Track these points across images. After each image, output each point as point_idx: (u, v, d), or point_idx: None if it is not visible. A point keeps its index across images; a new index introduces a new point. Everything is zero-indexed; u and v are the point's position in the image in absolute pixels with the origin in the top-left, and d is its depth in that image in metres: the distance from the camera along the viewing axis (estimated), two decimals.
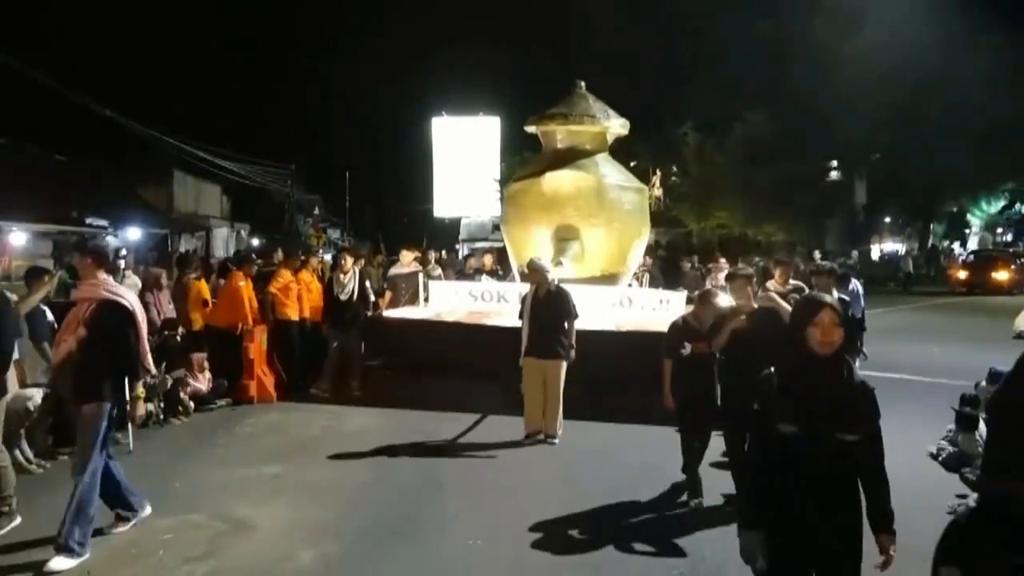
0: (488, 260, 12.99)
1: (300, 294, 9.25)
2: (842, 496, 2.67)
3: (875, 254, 39.90)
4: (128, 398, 4.61)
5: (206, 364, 8.15)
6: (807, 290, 6.63)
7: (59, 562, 4.18)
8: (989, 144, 28.87)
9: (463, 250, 31.23)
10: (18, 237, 19.06)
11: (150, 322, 8.53)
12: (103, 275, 4.62)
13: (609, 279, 10.13)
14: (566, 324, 6.77)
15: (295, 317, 9.14)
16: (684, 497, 5.28)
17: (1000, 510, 2.35)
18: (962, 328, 15.88)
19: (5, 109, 24.52)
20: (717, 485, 5.30)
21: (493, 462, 6.33)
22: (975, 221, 40.97)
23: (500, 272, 12.38)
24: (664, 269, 14.92)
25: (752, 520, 2.78)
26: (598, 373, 7.39)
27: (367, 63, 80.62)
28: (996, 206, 39.04)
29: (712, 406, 5.26)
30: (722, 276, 13.11)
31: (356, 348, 8.86)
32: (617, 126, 10.63)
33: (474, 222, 39.58)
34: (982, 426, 6.19)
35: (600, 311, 9.19)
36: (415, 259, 11.70)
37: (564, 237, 9.90)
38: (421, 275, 10.80)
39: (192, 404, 7.78)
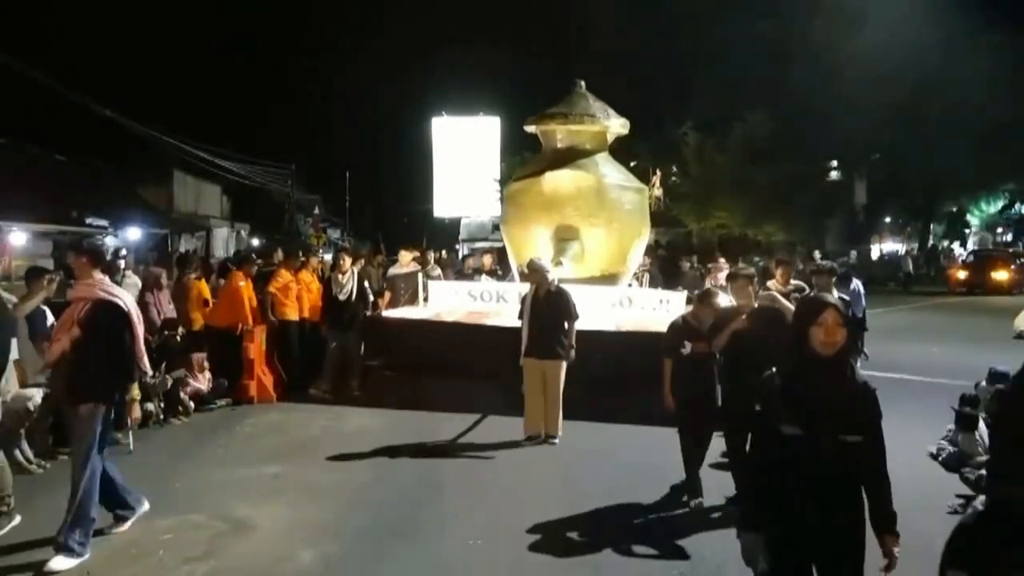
0: (487, 260, 12.99)
1: (300, 294, 9.25)
2: (843, 497, 2.66)
3: (875, 254, 39.89)
4: (123, 399, 4.55)
5: (206, 364, 8.14)
6: (808, 290, 6.64)
7: (59, 562, 4.17)
8: (989, 144, 28.86)
9: (463, 250, 31.25)
10: (18, 237, 19.06)
11: (150, 322, 8.54)
12: (99, 275, 4.57)
13: (609, 279, 10.13)
14: (566, 324, 6.77)
15: (295, 317, 9.15)
16: (684, 497, 5.28)
17: (1007, 513, 2.34)
18: (962, 328, 15.88)
19: (5, 109, 24.56)
20: (717, 485, 5.29)
21: (493, 462, 6.33)
22: (975, 221, 40.98)
23: (499, 272, 12.38)
24: (663, 269, 14.92)
25: (753, 521, 2.77)
26: (598, 373, 7.39)
27: (367, 63, 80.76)
28: (996, 206, 39.05)
29: (712, 406, 5.25)
30: (722, 276, 13.15)
31: (355, 348, 8.85)
32: (617, 126, 10.62)
33: (474, 222, 39.59)
34: (982, 426, 6.19)
35: (600, 311, 9.19)
36: (414, 259, 11.70)
37: (564, 237, 9.90)
38: (420, 275, 10.80)
39: (192, 404, 7.78)
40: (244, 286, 8.70)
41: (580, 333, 6.93)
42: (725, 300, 5.41)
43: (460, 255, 24.60)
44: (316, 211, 44.11)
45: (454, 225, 41.55)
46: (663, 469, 5.67)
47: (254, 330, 8.47)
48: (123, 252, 12.96)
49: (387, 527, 4.89)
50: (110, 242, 21.23)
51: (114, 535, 4.63)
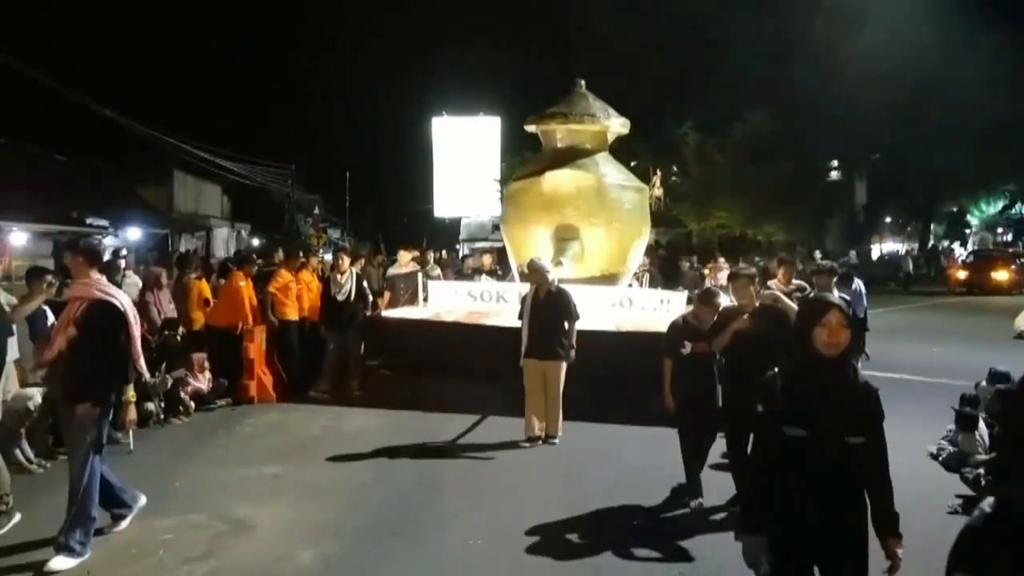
0: (487, 260, 12.98)
1: (300, 294, 9.25)
2: (845, 498, 2.66)
3: (875, 254, 39.90)
4: (119, 400, 4.50)
5: (206, 364, 8.15)
6: (809, 289, 6.64)
7: (59, 562, 4.17)
8: (989, 144, 28.87)
9: (463, 250, 31.25)
10: (18, 237, 19.05)
11: (150, 322, 8.55)
12: (95, 274, 4.53)
13: (609, 279, 10.11)
14: (566, 324, 6.77)
15: (294, 317, 9.15)
16: (684, 498, 5.28)
17: (1010, 514, 2.33)
18: (962, 328, 15.88)
19: (5, 109, 24.55)
20: (717, 486, 5.29)
21: (493, 462, 6.33)
22: (975, 221, 40.98)
23: (499, 272, 12.37)
24: (662, 269, 14.92)
25: (754, 523, 2.76)
26: (598, 373, 7.38)
27: (367, 63, 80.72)
28: (996, 206, 39.04)
29: (712, 406, 5.25)
30: (722, 276, 13.15)
31: (355, 348, 8.85)
32: (617, 125, 10.61)
33: (474, 222, 39.61)
34: (982, 426, 6.19)
35: (600, 311, 9.17)
36: (413, 259, 11.69)
37: (564, 237, 9.88)
38: (420, 275, 10.79)
39: (192, 404, 7.78)
40: (244, 286, 8.70)
41: (580, 333, 6.93)
42: (725, 300, 5.41)
43: (460, 255, 24.62)
44: (316, 211, 44.12)
45: (454, 225, 41.58)
46: (663, 469, 5.66)
47: (254, 330, 8.47)
48: (123, 252, 12.96)
49: (387, 527, 4.89)
50: (110, 242, 21.21)
51: (114, 535, 4.63)
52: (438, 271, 12.08)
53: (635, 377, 7.06)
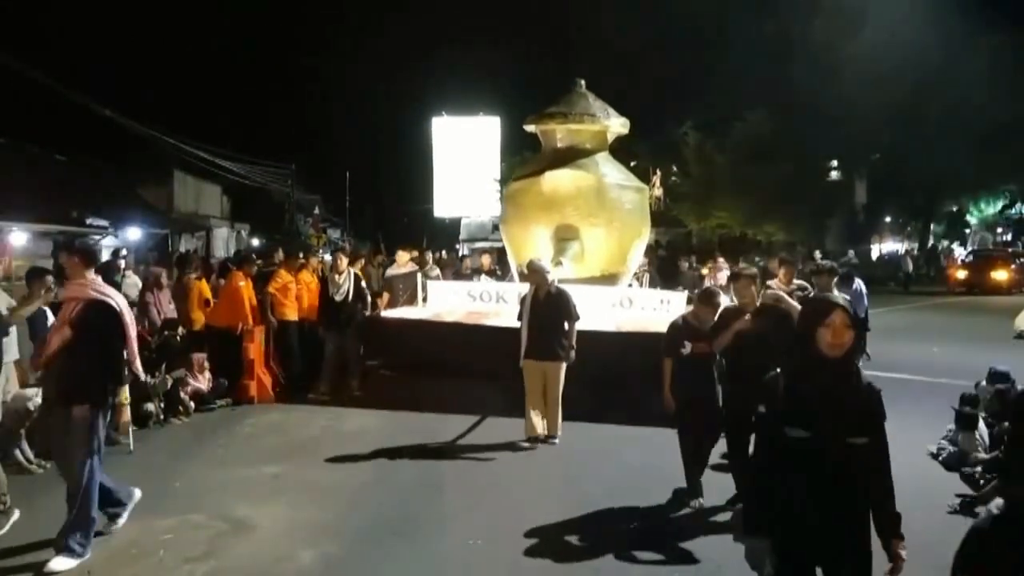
0: (486, 260, 12.99)
1: (299, 294, 9.24)
2: (847, 498, 2.65)
3: (875, 254, 39.91)
4: (113, 403, 4.47)
5: (206, 364, 8.14)
6: (810, 289, 6.65)
7: (59, 562, 4.17)
8: (989, 144, 28.86)
9: (463, 250, 31.27)
10: (18, 237, 19.03)
11: (150, 322, 8.55)
12: (91, 274, 4.51)
13: (609, 279, 10.11)
14: (566, 325, 6.76)
15: (294, 317, 9.15)
16: (684, 498, 5.28)
17: (1016, 515, 2.32)
18: (962, 328, 15.88)
19: (5, 109, 24.56)
20: (718, 486, 5.29)
21: (493, 463, 6.32)
22: (975, 221, 40.98)
23: (499, 272, 12.37)
24: (661, 269, 14.92)
25: (756, 525, 2.76)
26: (598, 373, 7.38)
27: (367, 63, 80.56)
28: (996, 206, 39.04)
29: (713, 407, 5.24)
30: (722, 276, 13.16)
31: (354, 348, 8.84)
32: (617, 125, 10.60)
33: (474, 222, 39.62)
34: (982, 425, 6.19)
35: (600, 311, 9.17)
36: (412, 259, 11.69)
37: (564, 237, 9.88)
38: (419, 275, 10.79)
39: (192, 404, 7.78)
40: (244, 286, 8.70)
41: (580, 333, 6.92)
42: (725, 300, 5.41)
43: (460, 255, 24.63)
44: (316, 211, 44.11)
45: (454, 225, 41.58)
46: (663, 469, 5.67)
47: (254, 330, 8.47)
48: (123, 252, 12.96)
49: (387, 527, 4.89)
50: (110, 242, 21.21)
51: (114, 535, 4.63)
52: (437, 271, 12.08)
53: (635, 377, 7.06)
